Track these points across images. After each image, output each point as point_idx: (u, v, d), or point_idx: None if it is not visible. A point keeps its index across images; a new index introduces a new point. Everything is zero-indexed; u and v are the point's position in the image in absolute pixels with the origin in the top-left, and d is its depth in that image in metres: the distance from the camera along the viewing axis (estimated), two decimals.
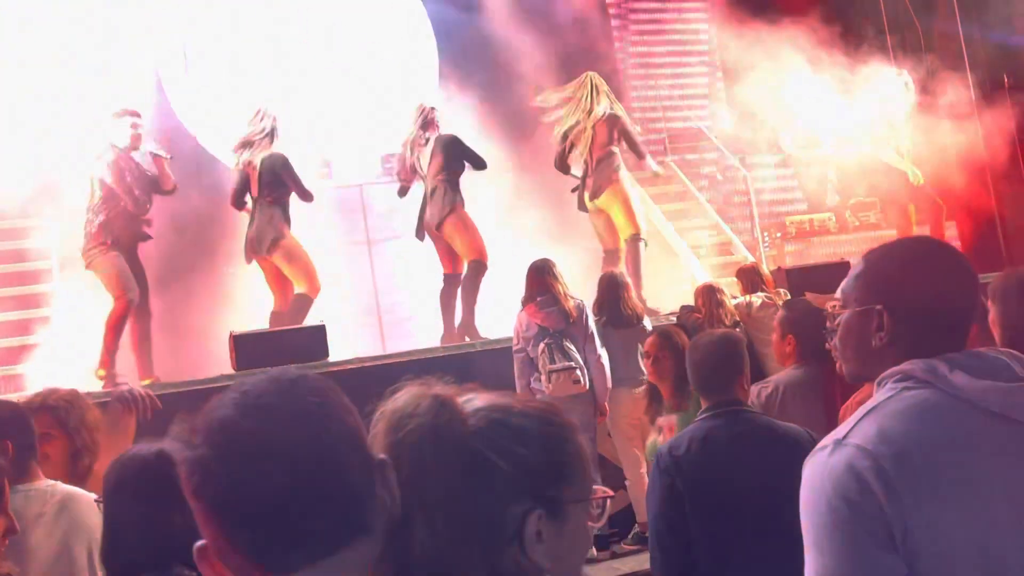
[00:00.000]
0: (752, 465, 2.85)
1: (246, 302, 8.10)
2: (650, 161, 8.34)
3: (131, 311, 6.87)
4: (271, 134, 7.30)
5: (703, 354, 3.07)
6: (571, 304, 6.00)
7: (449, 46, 10.94)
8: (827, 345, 1.76)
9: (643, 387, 5.98)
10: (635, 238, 7.88)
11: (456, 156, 7.64)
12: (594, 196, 7.93)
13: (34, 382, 7.40)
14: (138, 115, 7.20)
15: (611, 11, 11.60)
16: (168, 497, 1.98)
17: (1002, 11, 10.79)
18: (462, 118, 8.88)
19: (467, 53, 10.60)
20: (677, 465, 2.91)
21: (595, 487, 1.27)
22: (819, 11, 10.92)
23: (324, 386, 1.08)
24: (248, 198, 7.42)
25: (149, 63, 9.66)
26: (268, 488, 0.99)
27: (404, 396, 1.20)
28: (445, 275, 7.81)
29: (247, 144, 7.29)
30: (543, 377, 5.91)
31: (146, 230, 7.16)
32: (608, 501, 1.30)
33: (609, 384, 5.98)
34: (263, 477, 0.99)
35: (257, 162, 7.21)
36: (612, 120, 7.90)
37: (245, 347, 6.17)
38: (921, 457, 1.47)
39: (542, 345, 5.93)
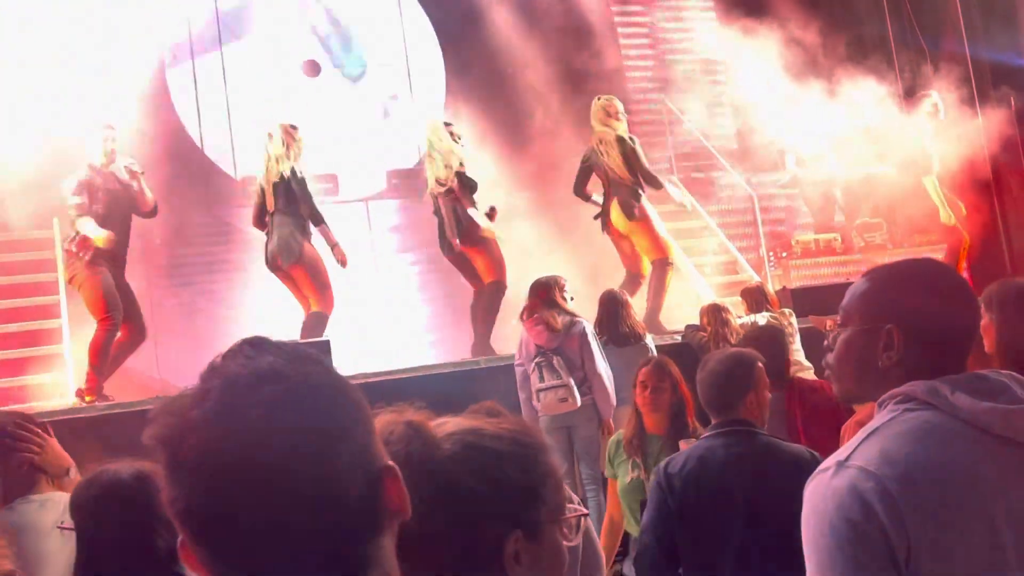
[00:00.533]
0: (745, 485, 2.85)
1: (257, 312, 8.10)
2: (670, 189, 8.22)
3: (116, 333, 6.77)
4: (288, 149, 7.20)
5: (709, 372, 3.07)
6: (559, 322, 5.96)
7: (454, 59, 10.99)
8: (822, 363, 1.76)
9: None
10: (663, 262, 7.84)
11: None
12: (630, 216, 7.82)
13: (40, 393, 7.42)
14: (112, 128, 7.08)
15: (615, 18, 11.63)
16: (150, 520, 1.99)
17: (1009, 32, 10.81)
18: (465, 131, 8.89)
19: (470, 65, 10.64)
20: (670, 482, 2.95)
21: (569, 505, 1.27)
22: (829, 33, 10.96)
23: (331, 392, 0.95)
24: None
25: (154, 69, 9.70)
26: (263, 527, 0.89)
27: (376, 424, 1.20)
28: (476, 290, 7.80)
29: (268, 164, 7.22)
30: (533, 395, 5.91)
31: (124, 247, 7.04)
32: (583, 519, 1.31)
33: (614, 401, 5.95)
34: (256, 513, 0.89)
35: (274, 179, 7.18)
36: (620, 142, 7.88)
37: None
38: (925, 479, 1.47)
39: (532, 364, 5.93)
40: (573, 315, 6.02)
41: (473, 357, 7.37)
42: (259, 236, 7.51)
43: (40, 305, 8.17)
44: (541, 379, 5.88)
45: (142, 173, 7.03)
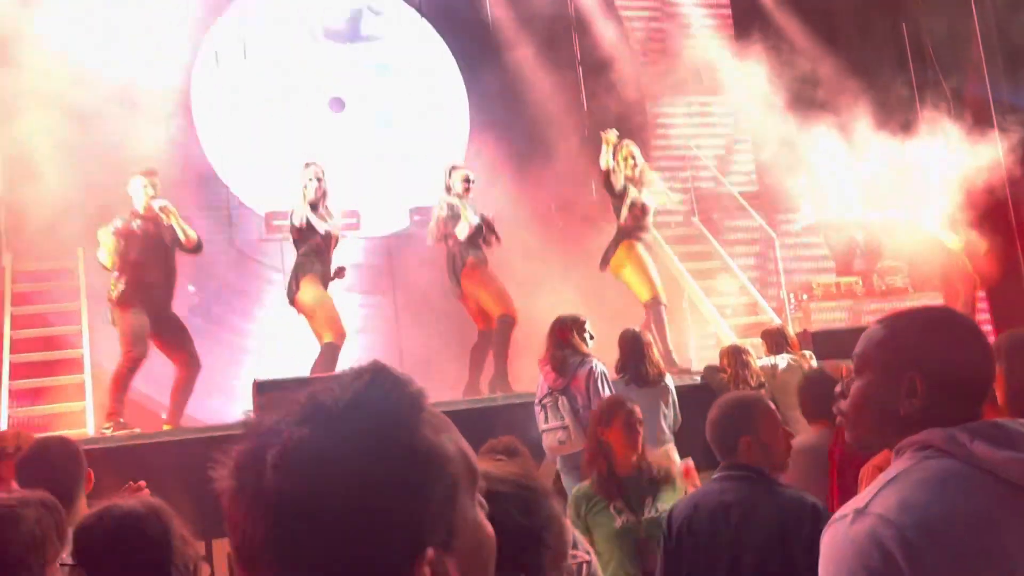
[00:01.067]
0: (730, 531, 2.87)
1: (277, 343, 8.14)
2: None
3: (136, 369, 6.98)
4: (304, 190, 7.37)
5: (712, 415, 3.10)
6: (560, 363, 5.88)
7: (477, 97, 11.10)
8: (834, 409, 1.76)
9: (663, 447, 5.95)
10: (654, 302, 7.89)
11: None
12: (603, 262, 8.11)
13: (61, 422, 7.45)
14: (153, 174, 7.25)
15: (641, 59, 11.72)
16: (166, 551, 1.99)
17: None
18: (488, 172, 8.95)
19: (490, 99, 10.73)
20: (670, 529, 3.01)
21: (572, 551, 1.26)
22: (850, 75, 11.00)
23: (395, 461, 0.90)
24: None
25: (181, 102, 9.83)
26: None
27: None
28: (480, 331, 7.83)
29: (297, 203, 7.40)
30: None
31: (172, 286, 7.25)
32: (586, 565, 1.30)
33: None
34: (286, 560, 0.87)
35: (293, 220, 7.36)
36: (605, 174, 8.04)
37: (267, 394, 6.15)
38: (944, 528, 1.46)
39: (539, 404, 5.92)
40: (586, 355, 5.92)
41: (484, 394, 7.37)
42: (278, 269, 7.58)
43: (63, 335, 8.23)
44: (546, 420, 5.83)
45: (166, 215, 7.11)
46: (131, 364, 6.96)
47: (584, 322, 6.06)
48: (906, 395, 1.60)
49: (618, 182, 8.04)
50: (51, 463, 2.91)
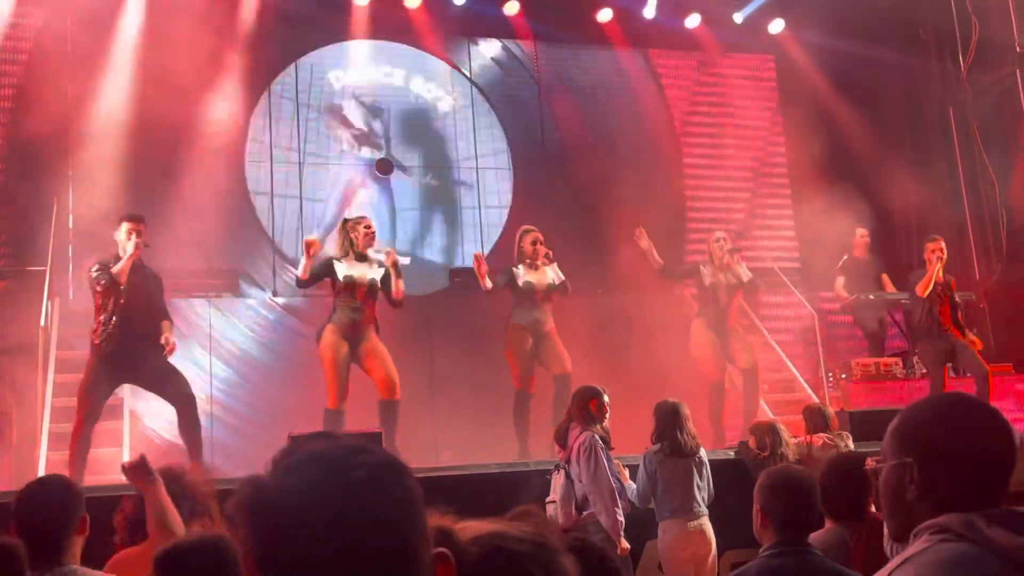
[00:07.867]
0: None
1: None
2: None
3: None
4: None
5: (806, 487, 3.08)
6: (561, 436, 5.85)
7: (522, 166, 11.24)
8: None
9: (698, 521, 5.86)
10: (714, 386, 8.25)
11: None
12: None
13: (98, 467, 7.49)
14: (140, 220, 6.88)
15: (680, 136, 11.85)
16: None
17: None
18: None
19: (539, 179, 10.86)
20: None
21: None
22: (893, 155, 11.00)
23: (406, 473, 1.03)
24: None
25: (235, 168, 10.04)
26: None
27: None
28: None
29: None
30: None
31: None
32: None
33: (621, 518, 5.58)
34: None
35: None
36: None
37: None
38: None
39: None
40: (586, 427, 5.75)
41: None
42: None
43: None
44: (549, 492, 5.83)
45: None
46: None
47: (599, 393, 5.90)
48: (908, 482, 1.62)
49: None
50: (48, 501, 2.83)
